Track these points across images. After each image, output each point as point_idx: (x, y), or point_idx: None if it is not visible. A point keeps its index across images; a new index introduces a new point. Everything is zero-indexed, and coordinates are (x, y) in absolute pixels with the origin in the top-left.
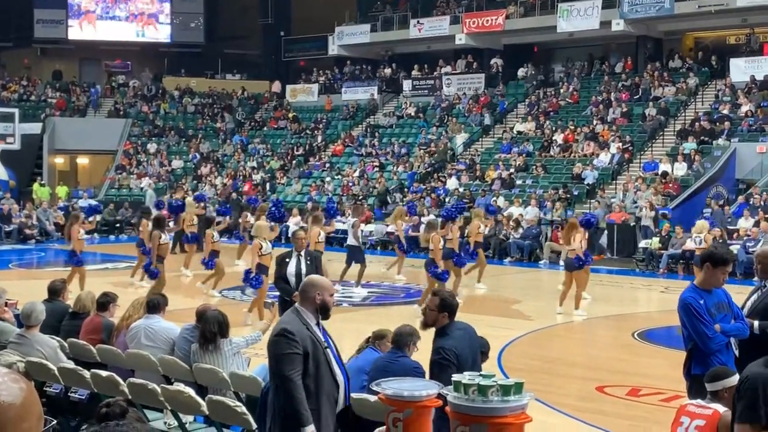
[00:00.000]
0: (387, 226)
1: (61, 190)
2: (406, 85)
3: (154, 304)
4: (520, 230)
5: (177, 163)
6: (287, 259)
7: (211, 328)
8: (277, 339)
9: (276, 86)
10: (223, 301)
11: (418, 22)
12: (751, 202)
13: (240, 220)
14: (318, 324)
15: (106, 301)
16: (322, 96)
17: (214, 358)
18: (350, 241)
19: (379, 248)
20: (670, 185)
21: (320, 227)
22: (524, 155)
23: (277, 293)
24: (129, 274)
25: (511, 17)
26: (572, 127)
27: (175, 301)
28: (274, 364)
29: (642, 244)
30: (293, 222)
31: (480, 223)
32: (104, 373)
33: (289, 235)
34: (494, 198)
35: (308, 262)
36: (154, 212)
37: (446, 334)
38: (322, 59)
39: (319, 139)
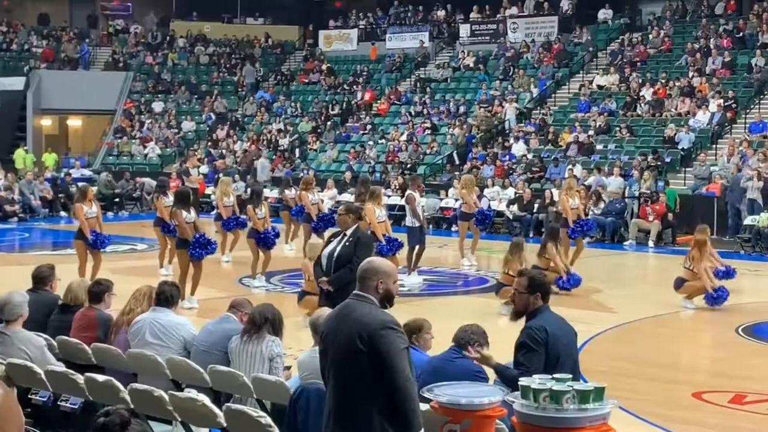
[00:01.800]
0: (441, 199)
1: (49, 158)
2: (464, 30)
3: (167, 297)
4: (602, 205)
5: (188, 125)
6: (332, 239)
7: (264, 314)
8: (388, 332)
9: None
10: (243, 291)
11: None
12: None
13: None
14: None
15: (99, 291)
16: (362, 44)
17: (254, 350)
18: (408, 220)
19: (431, 227)
20: None
21: (377, 204)
22: (606, 114)
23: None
24: (128, 258)
25: None
26: (663, 81)
27: (203, 292)
28: (389, 361)
29: (747, 221)
30: (328, 196)
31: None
32: (101, 378)
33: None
34: (570, 167)
35: (346, 244)
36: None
37: (536, 316)
38: None
39: (359, 95)
